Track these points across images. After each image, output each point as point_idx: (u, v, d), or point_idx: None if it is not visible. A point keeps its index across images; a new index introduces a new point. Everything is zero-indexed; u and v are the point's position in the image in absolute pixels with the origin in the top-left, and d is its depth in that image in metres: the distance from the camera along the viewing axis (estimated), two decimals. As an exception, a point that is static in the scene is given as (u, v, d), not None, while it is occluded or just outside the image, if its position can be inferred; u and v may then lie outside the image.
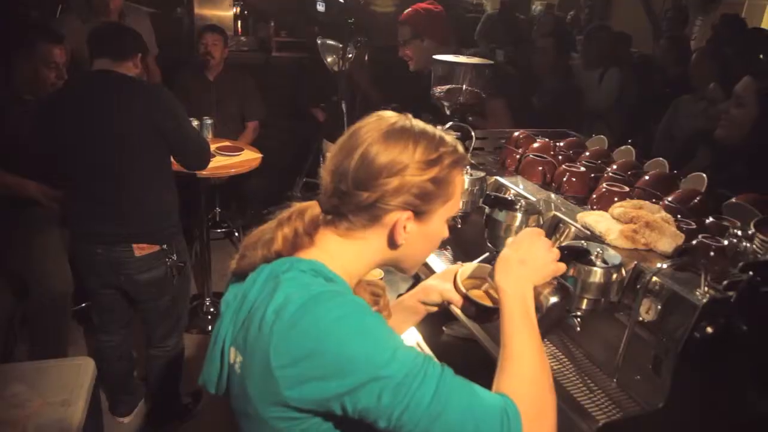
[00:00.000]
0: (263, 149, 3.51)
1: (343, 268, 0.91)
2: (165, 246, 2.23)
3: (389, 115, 0.92)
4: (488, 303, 1.10)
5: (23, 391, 1.94)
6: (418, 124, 0.92)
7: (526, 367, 0.87)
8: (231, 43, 4.35)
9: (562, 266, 1.02)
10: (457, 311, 1.19)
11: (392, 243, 0.91)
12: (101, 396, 2.30)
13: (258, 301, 0.86)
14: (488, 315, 1.10)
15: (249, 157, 3.26)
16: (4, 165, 2.35)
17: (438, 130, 0.93)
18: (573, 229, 1.33)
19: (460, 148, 0.94)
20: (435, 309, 1.19)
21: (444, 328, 1.76)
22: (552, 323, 1.07)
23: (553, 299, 1.03)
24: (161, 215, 2.22)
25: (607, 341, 1.19)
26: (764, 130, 1.92)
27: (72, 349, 2.83)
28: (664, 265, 1.03)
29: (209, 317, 3.34)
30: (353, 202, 0.88)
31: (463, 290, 1.11)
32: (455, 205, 0.95)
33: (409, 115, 0.94)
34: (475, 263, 1.20)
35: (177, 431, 2.58)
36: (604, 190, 1.41)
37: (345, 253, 0.92)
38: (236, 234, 4.29)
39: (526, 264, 0.97)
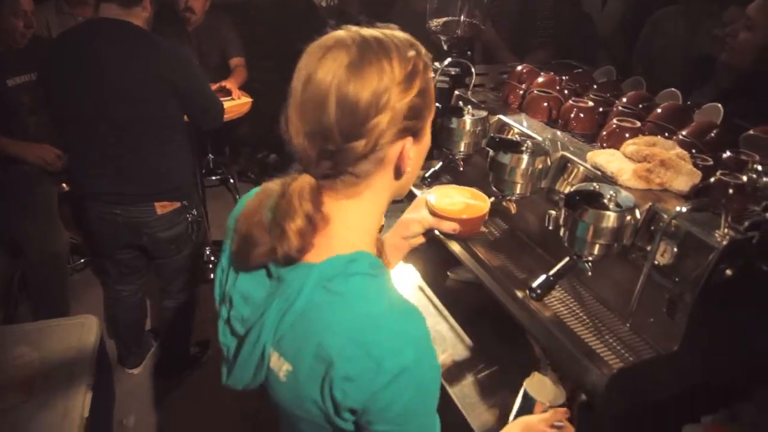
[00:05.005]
0: (252, 92, 3.37)
1: (368, 233, 0.86)
2: (185, 202, 2.19)
3: (333, 42, 0.78)
4: (465, 215, 1.13)
5: (28, 351, 1.94)
6: (371, 34, 0.78)
7: None
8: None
9: None
10: (442, 236, 1.21)
11: (398, 174, 0.84)
12: (109, 350, 2.31)
13: (312, 316, 0.77)
14: (470, 225, 1.14)
15: (239, 102, 3.16)
16: None
17: (388, 35, 0.80)
18: (581, 169, 1.27)
19: (416, 42, 0.83)
20: (419, 242, 1.17)
21: (448, 273, 1.74)
22: None
23: None
24: (179, 172, 2.15)
25: (618, 284, 1.16)
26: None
27: (74, 304, 2.84)
28: (684, 209, 0.98)
29: (210, 266, 3.33)
30: (350, 157, 0.77)
31: (437, 210, 1.13)
32: (434, 106, 0.87)
33: (352, 27, 0.80)
34: (440, 186, 1.23)
35: (186, 380, 2.63)
36: (614, 126, 1.34)
37: (361, 217, 0.85)
38: (231, 180, 4.21)
39: None
